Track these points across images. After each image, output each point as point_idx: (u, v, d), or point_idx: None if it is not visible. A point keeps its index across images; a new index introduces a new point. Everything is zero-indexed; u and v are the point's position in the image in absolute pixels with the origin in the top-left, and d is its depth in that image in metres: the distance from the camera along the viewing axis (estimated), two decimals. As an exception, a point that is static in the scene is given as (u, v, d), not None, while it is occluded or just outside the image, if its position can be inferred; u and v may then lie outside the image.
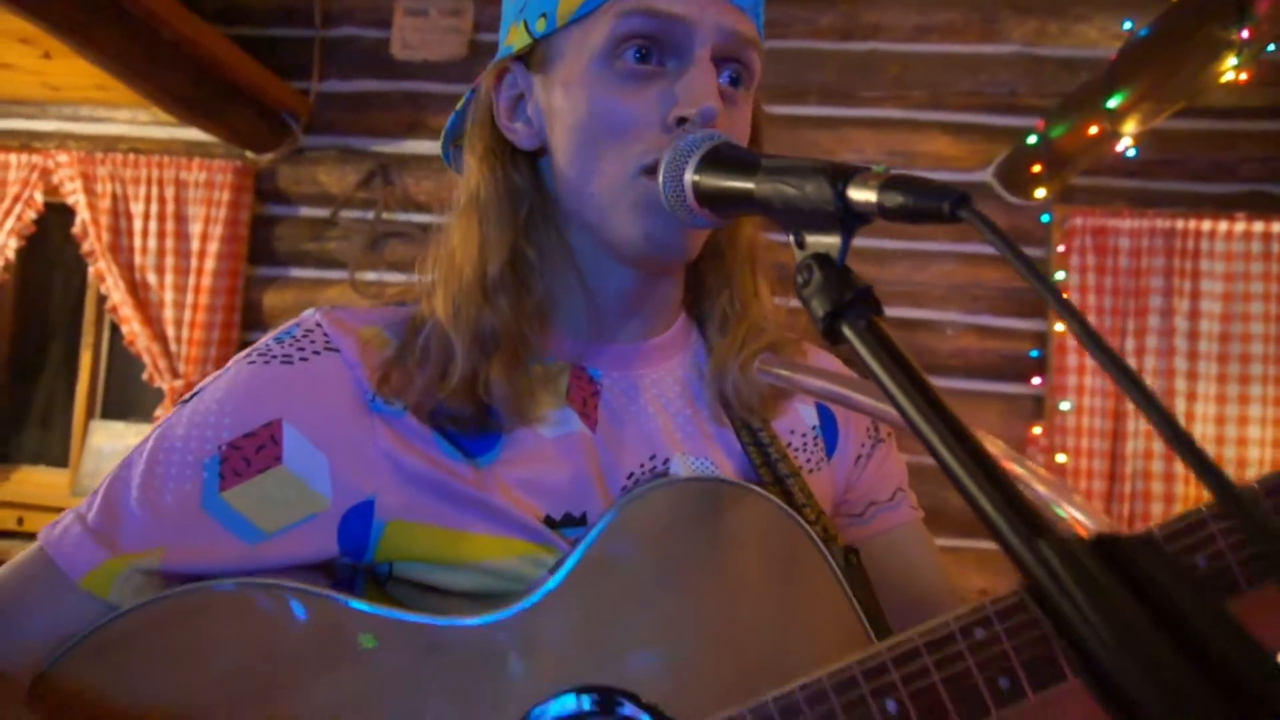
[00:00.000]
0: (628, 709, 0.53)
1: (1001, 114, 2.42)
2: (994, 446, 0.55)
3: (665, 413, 0.66)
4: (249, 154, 2.58)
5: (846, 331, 0.42)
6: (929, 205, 0.40)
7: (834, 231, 0.44)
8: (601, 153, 0.59)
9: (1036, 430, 2.26)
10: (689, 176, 0.53)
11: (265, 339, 0.62)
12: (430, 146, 2.48)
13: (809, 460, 0.69)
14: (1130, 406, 2.23)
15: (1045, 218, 2.28)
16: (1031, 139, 2.14)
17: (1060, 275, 2.24)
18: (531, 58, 0.62)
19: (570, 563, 0.56)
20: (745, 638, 0.57)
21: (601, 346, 0.65)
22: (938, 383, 0.37)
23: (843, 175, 0.43)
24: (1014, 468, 0.57)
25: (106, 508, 0.57)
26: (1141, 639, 0.27)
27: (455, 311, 0.61)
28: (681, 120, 0.57)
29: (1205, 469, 0.29)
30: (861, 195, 0.42)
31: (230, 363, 0.62)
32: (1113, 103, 1.80)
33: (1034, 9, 2.41)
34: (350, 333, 0.61)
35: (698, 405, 0.67)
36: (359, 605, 0.56)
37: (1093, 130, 1.94)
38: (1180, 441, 0.30)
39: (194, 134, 2.53)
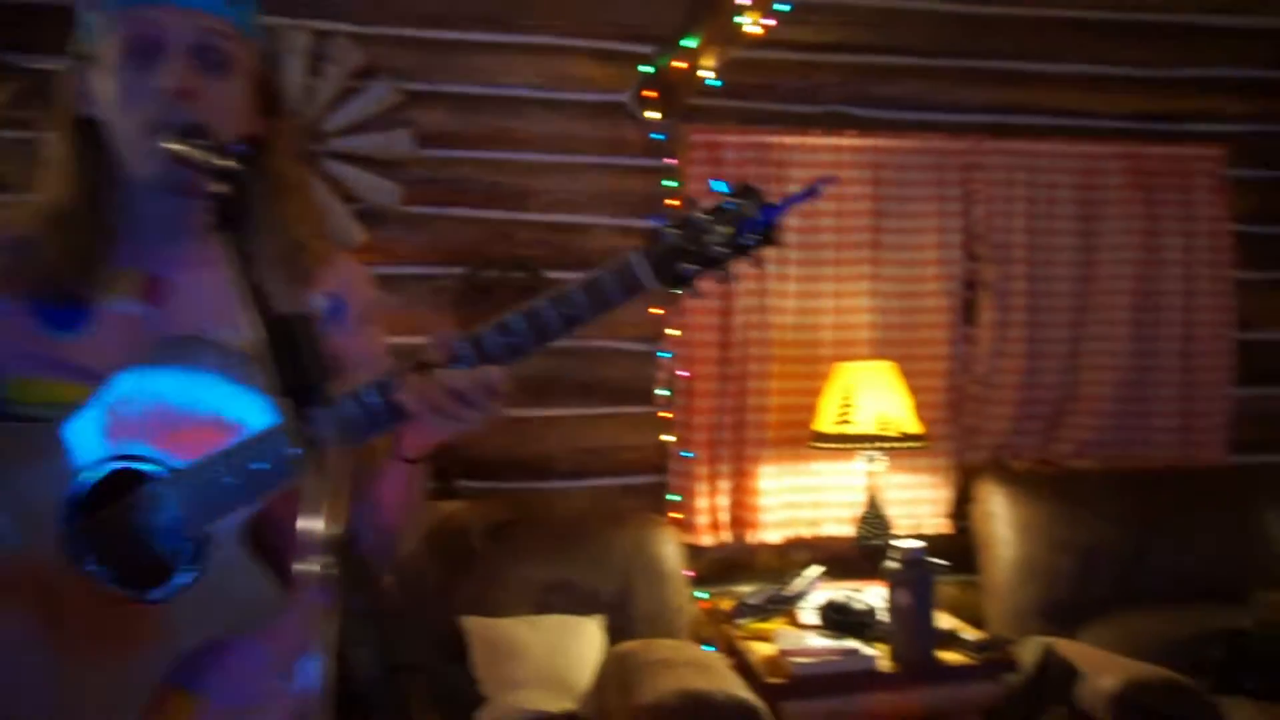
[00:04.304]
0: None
1: (638, 43, 2.81)
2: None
3: (210, 305, 0.98)
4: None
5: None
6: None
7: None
8: (125, 120, 0.91)
9: (659, 311, 2.76)
10: (165, 143, 0.85)
11: None
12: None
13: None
14: (741, 288, 2.78)
15: (661, 135, 2.74)
16: (647, 68, 2.56)
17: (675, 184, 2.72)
18: (88, 59, 0.93)
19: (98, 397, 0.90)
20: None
21: (156, 251, 0.96)
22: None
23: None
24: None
25: None
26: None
27: (45, 226, 0.92)
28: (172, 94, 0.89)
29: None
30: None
31: None
32: (688, 43, 2.24)
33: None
34: None
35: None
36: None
37: (683, 64, 2.38)
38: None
39: None
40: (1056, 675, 2.15)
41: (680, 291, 1.02)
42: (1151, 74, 3.10)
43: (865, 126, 2.90)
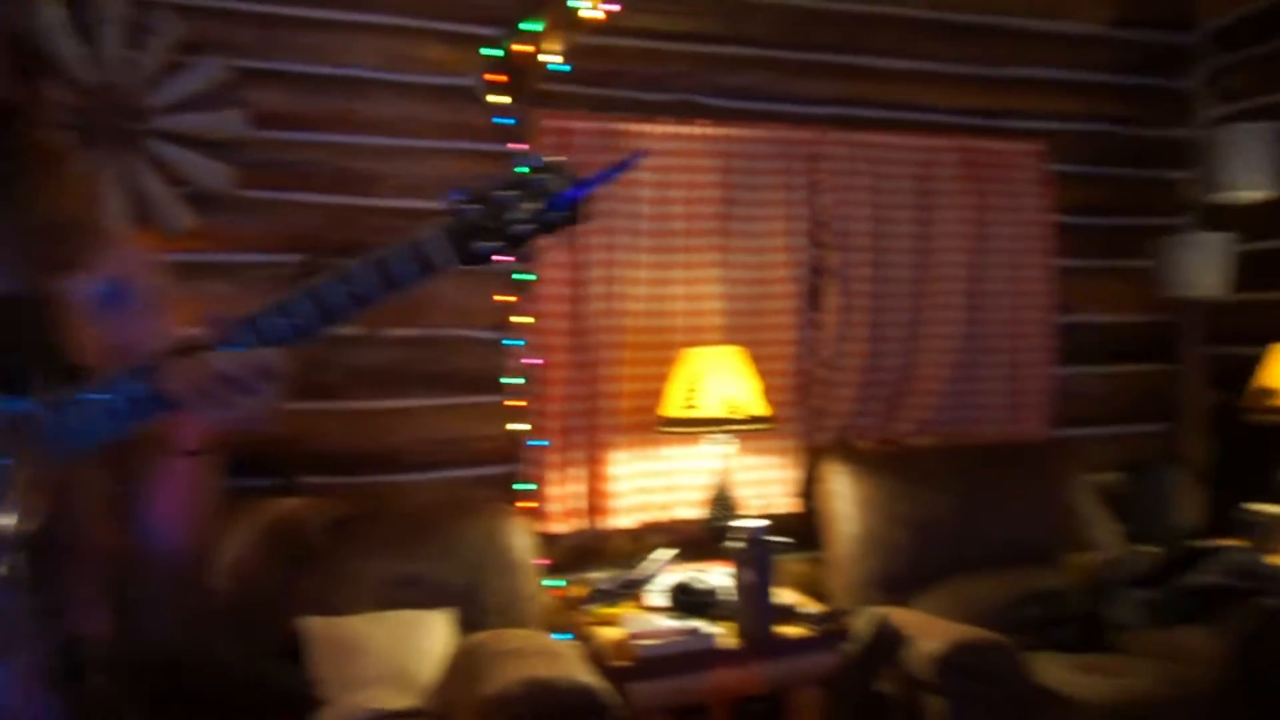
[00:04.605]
0: None
1: (485, 25, 2.76)
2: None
3: None
4: None
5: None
6: None
7: None
8: None
9: (510, 298, 2.73)
10: None
11: None
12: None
13: None
14: (593, 275, 2.78)
15: (510, 120, 2.70)
16: (495, 51, 2.53)
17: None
18: None
19: None
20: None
21: None
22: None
23: None
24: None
25: None
26: None
27: None
28: None
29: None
30: None
31: None
32: (530, 26, 2.22)
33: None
34: None
35: None
36: None
37: (529, 48, 2.36)
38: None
39: None
40: (888, 642, 2.26)
41: (479, 268, 1.00)
42: (981, 72, 3.28)
43: (714, 115, 2.95)
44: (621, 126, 2.82)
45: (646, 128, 2.85)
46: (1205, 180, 3.22)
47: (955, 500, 2.85)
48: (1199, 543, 2.68)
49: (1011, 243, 3.23)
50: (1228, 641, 2.33)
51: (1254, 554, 2.55)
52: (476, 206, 0.94)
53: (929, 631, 2.20)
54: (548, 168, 0.98)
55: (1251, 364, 3.04)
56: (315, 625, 2.09)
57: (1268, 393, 2.92)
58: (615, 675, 2.06)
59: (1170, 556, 2.58)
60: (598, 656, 2.17)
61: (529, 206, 0.96)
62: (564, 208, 0.99)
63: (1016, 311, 3.24)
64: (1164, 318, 3.52)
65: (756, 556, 2.15)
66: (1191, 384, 3.52)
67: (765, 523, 2.20)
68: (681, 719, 2.62)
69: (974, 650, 2.11)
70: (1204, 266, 3.28)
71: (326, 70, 2.66)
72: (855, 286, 3.05)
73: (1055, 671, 2.34)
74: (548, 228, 0.97)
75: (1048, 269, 3.28)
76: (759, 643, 2.15)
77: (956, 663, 2.09)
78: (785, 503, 2.98)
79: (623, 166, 1.08)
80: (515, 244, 0.95)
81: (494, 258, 0.97)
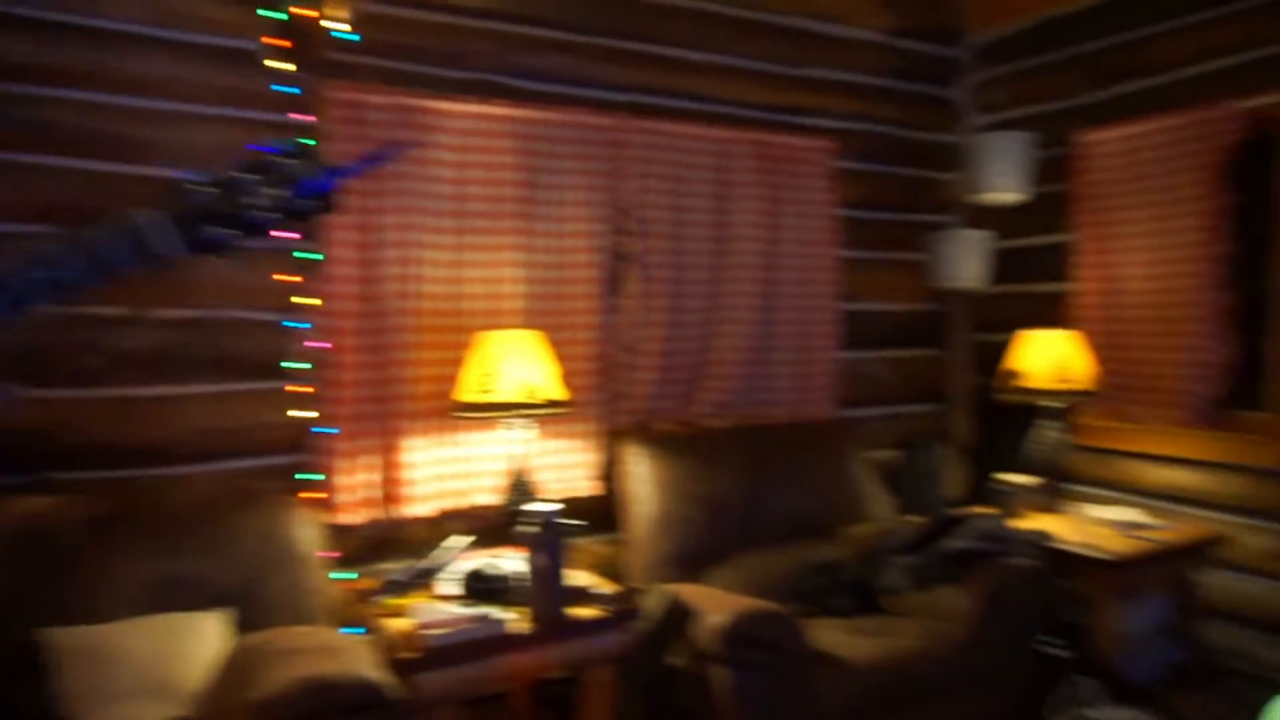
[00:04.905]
0: None
1: (271, -14, 2.58)
2: None
3: None
4: None
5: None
6: None
7: None
8: None
9: (293, 278, 2.59)
10: None
11: None
12: None
13: None
14: (386, 255, 2.68)
15: (294, 89, 2.55)
16: (271, 14, 2.37)
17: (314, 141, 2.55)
18: None
19: None
20: None
21: None
22: None
23: None
24: None
25: None
26: None
27: None
28: None
29: None
30: None
31: None
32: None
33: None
34: None
35: None
36: None
37: (311, 12, 2.22)
38: None
39: None
40: (677, 618, 2.34)
41: (217, 256, 0.94)
42: (775, 70, 3.42)
43: (516, 97, 2.91)
44: (419, 103, 2.73)
45: (446, 105, 2.77)
46: (969, 182, 3.54)
47: (746, 479, 2.98)
48: (957, 511, 2.95)
49: (801, 234, 3.40)
50: (976, 598, 2.58)
51: (1000, 520, 2.84)
52: (210, 190, 0.87)
53: (716, 606, 2.29)
54: (297, 152, 0.93)
55: (1005, 349, 3.37)
56: (58, 636, 1.89)
57: (1013, 374, 3.25)
58: (403, 667, 2.01)
59: (932, 525, 2.83)
60: (388, 649, 2.11)
61: (272, 192, 0.90)
62: (314, 195, 0.94)
63: (806, 299, 3.43)
64: (934, 307, 3.84)
65: (549, 540, 2.16)
66: (957, 368, 3.87)
67: (558, 506, 2.21)
68: (480, 705, 2.61)
69: (755, 620, 2.22)
70: (967, 261, 3.60)
71: (80, 20, 2.40)
72: (655, 273, 3.12)
73: (832, 636, 2.51)
74: (295, 216, 0.92)
75: (834, 259, 3.49)
76: (551, 626, 2.17)
77: (739, 633, 2.19)
78: (587, 486, 3.01)
79: (382, 156, 1.04)
80: (253, 231, 0.89)
81: (234, 245, 0.91)
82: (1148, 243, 3.18)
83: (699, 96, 3.26)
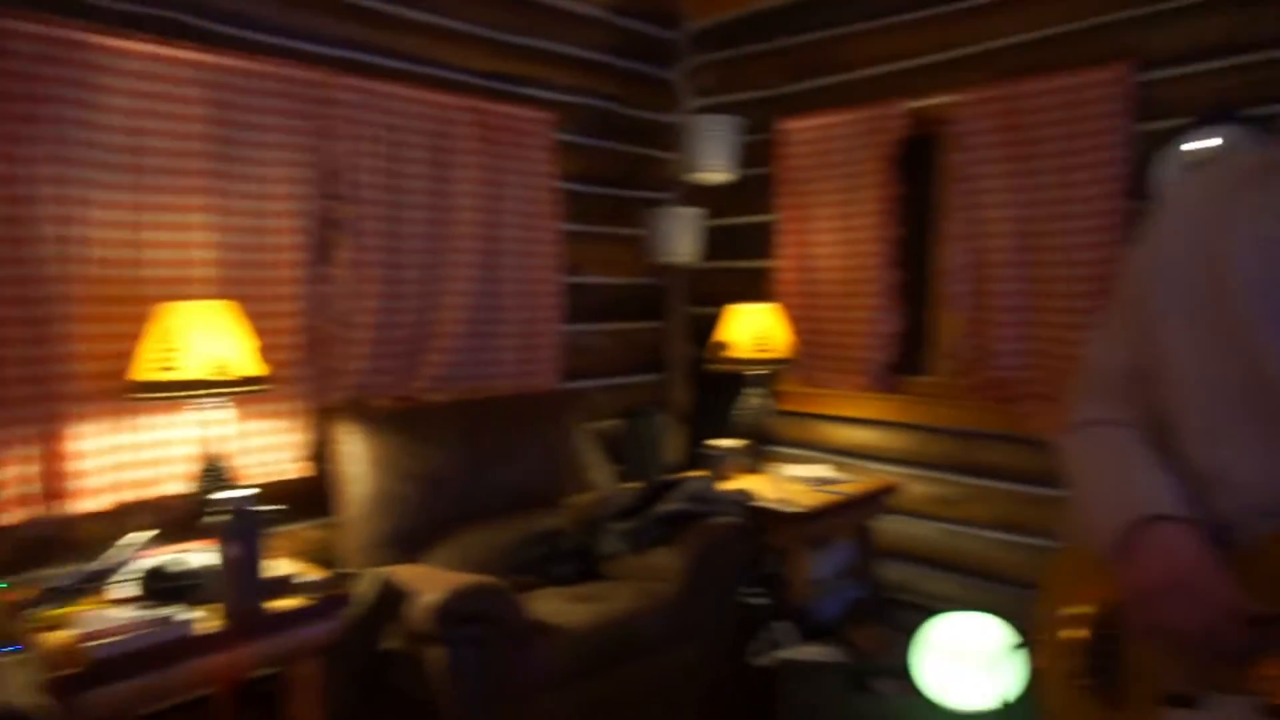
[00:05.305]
0: None
1: None
2: None
3: None
4: None
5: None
6: None
7: None
8: None
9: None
10: None
11: None
12: None
13: None
14: (39, 213, 2.31)
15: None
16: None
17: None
18: None
19: None
20: None
21: None
22: None
23: None
24: None
25: None
26: None
27: None
28: None
29: None
30: None
31: None
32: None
33: None
34: None
35: None
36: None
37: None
38: None
39: None
40: (390, 600, 2.25)
41: None
42: (495, 36, 3.36)
43: (207, 40, 2.61)
44: (84, 37, 2.36)
45: (119, 43, 2.43)
46: (684, 161, 3.70)
47: (466, 454, 2.93)
48: (670, 476, 3.10)
49: (523, 205, 3.38)
50: (686, 558, 2.73)
51: (709, 482, 3.02)
52: None
53: (430, 584, 2.24)
54: None
55: (716, 322, 3.58)
56: None
57: (722, 345, 3.47)
58: (62, 687, 1.76)
59: (647, 490, 2.95)
60: (48, 667, 1.84)
61: None
62: None
63: (528, 271, 3.42)
64: (653, 280, 3.99)
65: (242, 529, 1.99)
66: (675, 339, 4.06)
67: (252, 492, 2.04)
68: (180, 713, 2.38)
69: (468, 596, 2.20)
70: (682, 236, 3.78)
71: None
72: (369, 241, 2.96)
73: (551, 604, 2.54)
74: None
75: (555, 232, 3.51)
76: (247, 622, 2.00)
77: (452, 610, 2.16)
78: (295, 468, 2.81)
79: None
80: None
81: None
82: (836, 224, 3.51)
83: (416, 58, 3.12)
